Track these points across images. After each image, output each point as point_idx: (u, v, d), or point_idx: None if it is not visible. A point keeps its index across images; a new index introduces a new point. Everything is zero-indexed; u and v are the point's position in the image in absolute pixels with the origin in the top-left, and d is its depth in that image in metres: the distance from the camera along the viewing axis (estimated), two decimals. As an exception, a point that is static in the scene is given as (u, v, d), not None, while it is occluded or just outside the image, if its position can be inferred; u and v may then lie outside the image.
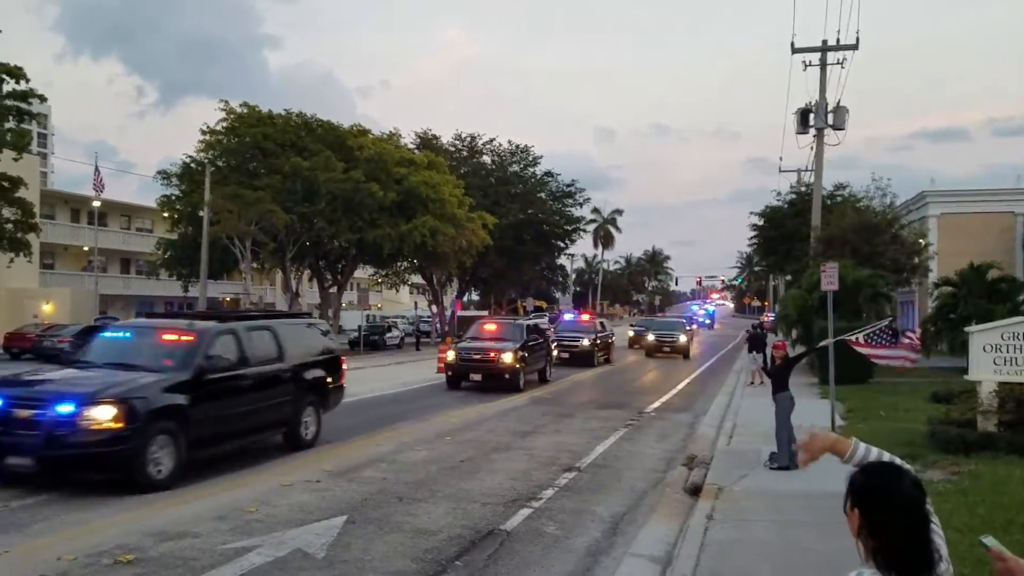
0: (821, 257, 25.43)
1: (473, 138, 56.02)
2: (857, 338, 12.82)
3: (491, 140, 56.33)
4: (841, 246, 27.09)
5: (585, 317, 36.20)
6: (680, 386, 23.01)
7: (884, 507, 2.06)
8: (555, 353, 27.08)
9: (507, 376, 20.35)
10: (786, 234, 38.48)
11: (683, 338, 36.57)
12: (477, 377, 20.59)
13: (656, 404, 18.66)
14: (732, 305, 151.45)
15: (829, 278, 14.11)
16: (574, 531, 7.73)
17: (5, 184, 23.02)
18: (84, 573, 6.17)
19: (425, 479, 9.90)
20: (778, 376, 11.22)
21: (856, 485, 2.16)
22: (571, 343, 30.00)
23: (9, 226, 23.90)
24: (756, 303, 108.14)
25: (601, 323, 34.52)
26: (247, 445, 10.93)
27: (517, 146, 57.06)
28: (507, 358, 20.40)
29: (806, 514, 7.97)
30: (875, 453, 2.57)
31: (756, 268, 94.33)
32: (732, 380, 24.48)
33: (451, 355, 21.07)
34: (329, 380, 12.72)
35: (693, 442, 13.24)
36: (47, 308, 42.39)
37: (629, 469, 10.96)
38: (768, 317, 60.04)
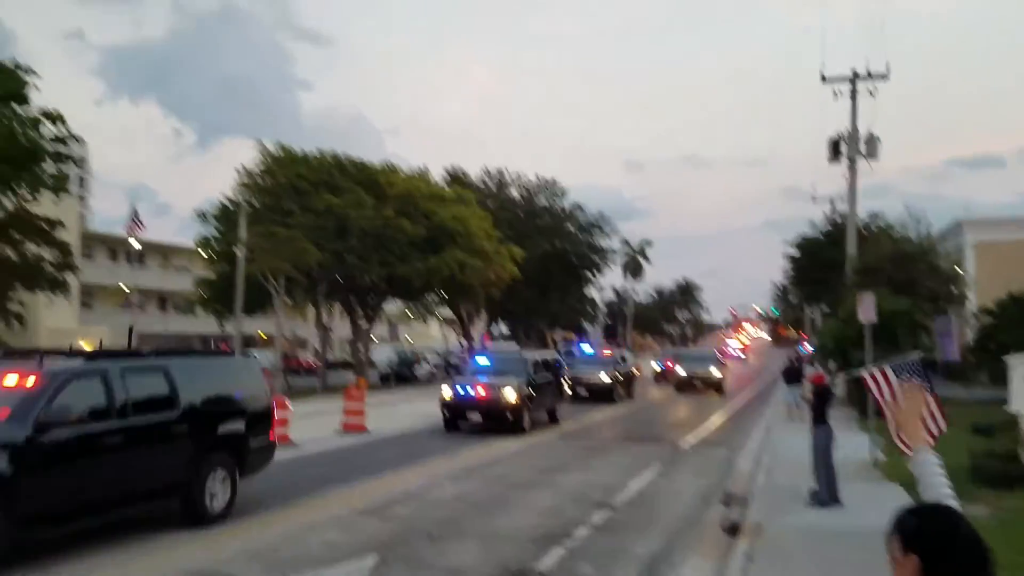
0: (857, 287, 25.03)
1: (501, 173, 56.46)
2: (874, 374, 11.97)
3: (519, 175, 56.76)
4: (877, 276, 26.66)
5: (607, 352, 33.58)
6: (715, 420, 22.65)
7: (950, 555, 1.95)
8: (572, 389, 25.81)
9: (509, 415, 18.53)
10: (821, 264, 38.00)
11: (716, 371, 34.54)
12: (476, 416, 19.06)
13: (691, 439, 18.36)
14: (767, 336, 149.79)
15: (866, 309, 13.86)
16: (610, 572, 7.55)
17: (44, 226, 23.53)
18: (115, 615, 6.13)
19: (454, 516, 9.78)
20: (814, 409, 10.97)
21: (913, 529, 2.03)
22: (588, 378, 28.28)
23: (49, 267, 24.38)
24: (792, 334, 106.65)
25: (622, 356, 32.63)
26: (124, 518, 8.64)
27: (544, 179, 57.43)
28: (509, 395, 18.53)
29: (850, 553, 7.72)
30: (931, 471, 2.50)
31: (791, 298, 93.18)
32: (769, 413, 24.07)
33: (447, 392, 19.24)
34: (250, 435, 10.10)
35: (731, 478, 12.96)
36: (87, 347, 43.09)
37: (665, 507, 10.74)
38: (806, 347, 59.09)
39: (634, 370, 33.10)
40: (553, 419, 21.10)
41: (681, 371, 34.73)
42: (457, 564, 7.68)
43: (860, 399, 19.72)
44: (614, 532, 9.16)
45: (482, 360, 21.64)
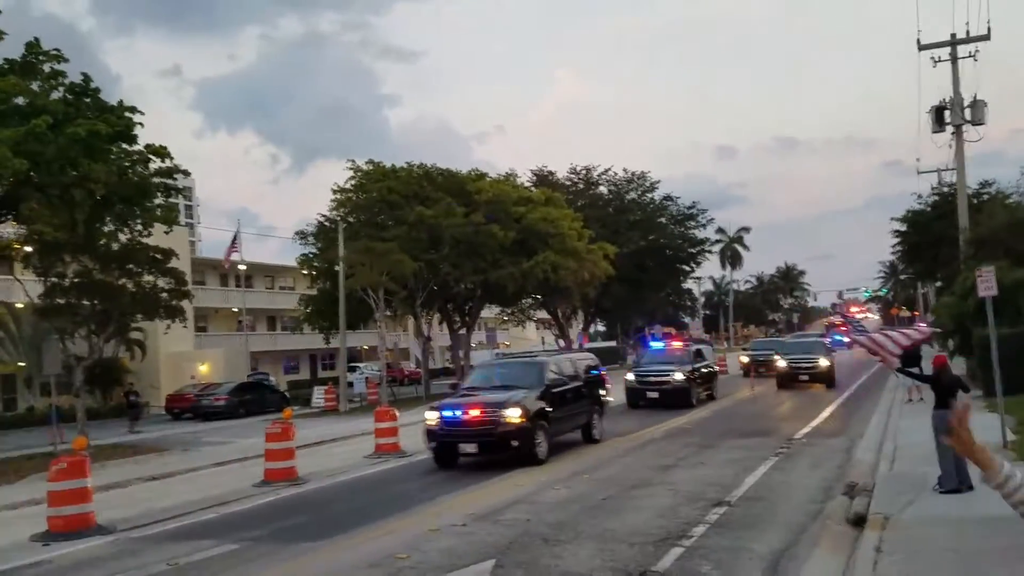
0: (972, 260, 23.77)
1: (588, 170, 56.18)
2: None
3: (606, 170, 56.33)
4: (993, 247, 25.25)
5: (677, 344, 30.09)
6: (827, 411, 21.84)
7: None
8: (640, 394, 24.04)
9: (514, 442, 13.99)
10: (932, 239, 36.30)
11: (824, 361, 29.52)
12: (470, 448, 14.31)
13: (805, 430, 17.76)
14: (878, 318, 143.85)
15: (986, 283, 13.11)
16: (732, 570, 7.37)
17: (158, 256, 24.78)
18: (251, 627, 6.37)
19: (568, 519, 9.75)
20: (936, 392, 10.43)
21: None
22: (659, 379, 24.17)
23: (165, 295, 25.67)
24: (905, 313, 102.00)
25: (698, 350, 27.58)
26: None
27: (633, 173, 56.86)
28: (511, 415, 13.99)
29: (986, 541, 7.30)
30: (1021, 476, 2.32)
31: (902, 276, 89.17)
32: (888, 398, 23.06)
33: (432, 417, 14.72)
34: None
35: (851, 468, 12.46)
36: (203, 369, 45.21)
37: (784, 501, 10.41)
38: (920, 327, 56.58)
39: (716, 366, 29.33)
40: (589, 439, 16.92)
41: (782, 363, 30.37)
42: (575, 567, 7.65)
43: (985, 378, 18.67)
44: (733, 529, 8.95)
45: (484, 372, 17.44)
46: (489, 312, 57.42)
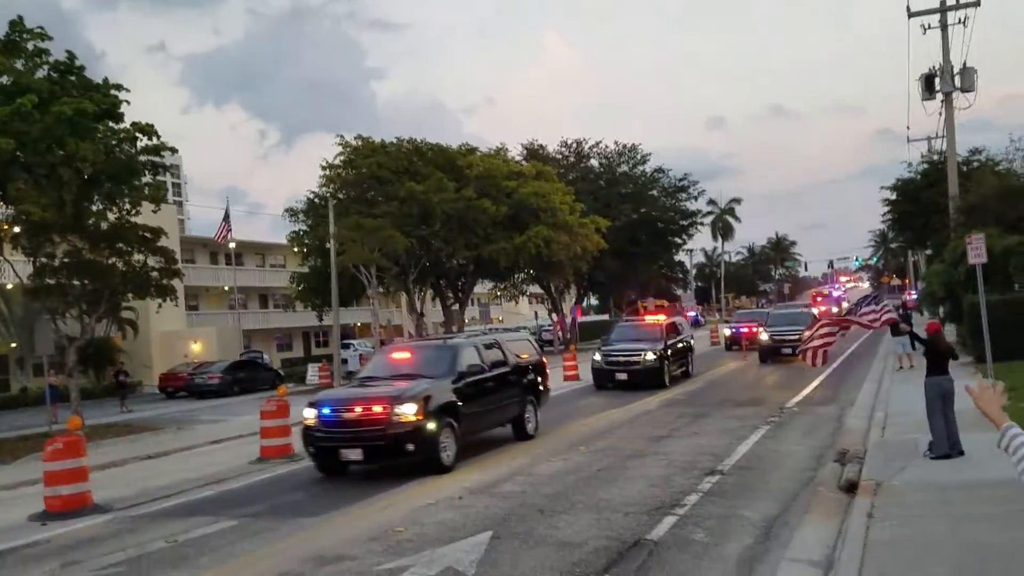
0: (962, 228, 23.88)
1: (579, 143, 55.90)
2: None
3: (597, 143, 56.07)
4: (983, 215, 25.36)
5: (650, 319, 27.26)
6: (817, 380, 22.01)
7: None
8: (607, 376, 22.22)
9: (409, 446, 11.21)
10: (922, 207, 36.43)
11: (808, 333, 29.42)
12: (353, 455, 11.52)
13: (797, 399, 17.93)
14: (869, 286, 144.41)
15: (976, 250, 13.19)
16: (724, 538, 7.47)
17: (148, 235, 24.61)
18: (251, 601, 6.43)
19: (564, 491, 9.84)
20: (929, 359, 10.51)
21: None
22: (628, 359, 22.20)
23: (155, 274, 25.55)
24: (896, 282, 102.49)
25: (672, 324, 25.08)
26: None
27: (624, 146, 56.56)
28: (406, 413, 11.19)
29: (976, 506, 7.40)
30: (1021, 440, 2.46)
31: (892, 245, 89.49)
32: (879, 366, 23.25)
33: (310, 415, 11.91)
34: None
35: (842, 436, 12.60)
36: (196, 347, 45.17)
37: (776, 469, 10.53)
38: (910, 296, 56.79)
39: (691, 340, 26.75)
40: (522, 435, 14.29)
41: (765, 336, 28.68)
42: (571, 537, 7.73)
43: (975, 345, 18.83)
44: (725, 497, 9.05)
45: (385, 360, 14.20)
46: (482, 287, 57.43)
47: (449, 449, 11.74)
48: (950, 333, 25.10)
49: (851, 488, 8.82)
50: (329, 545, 8.00)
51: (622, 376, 21.99)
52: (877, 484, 8.61)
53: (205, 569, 7.58)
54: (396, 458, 11.45)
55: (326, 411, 11.80)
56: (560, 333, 53.71)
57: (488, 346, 14.22)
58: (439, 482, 10.96)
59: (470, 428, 12.56)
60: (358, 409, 11.53)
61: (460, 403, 12.19)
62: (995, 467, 8.06)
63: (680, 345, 24.39)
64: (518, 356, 14.88)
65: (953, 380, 10.09)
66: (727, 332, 38.38)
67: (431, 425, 11.36)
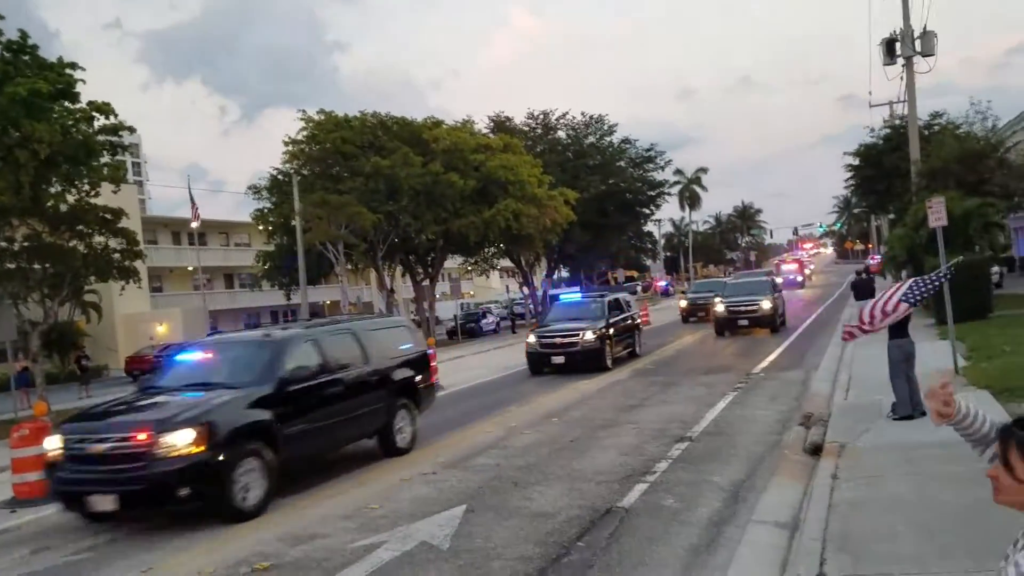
0: (924, 192, 24.24)
1: (546, 115, 55.69)
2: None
3: (564, 114, 55.92)
4: (944, 178, 25.76)
5: (575, 296, 24.65)
6: (783, 346, 22.34)
7: None
8: (542, 359, 19.82)
9: (182, 491, 7.97)
10: (884, 171, 36.88)
11: (767, 304, 25.71)
12: (105, 504, 8.05)
13: (763, 364, 18.19)
14: (833, 251, 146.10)
15: (936, 213, 13.40)
16: (694, 503, 7.60)
17: (108, 216, 24.19)
18: (225, 582, 6.42)
19: (537, 462, 9.93)
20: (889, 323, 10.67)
21: None
22: (564, 340, 19.75)
23: (117, 256, 25.15)
24: (859, 247, 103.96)
25: (616, 300, 22.21)
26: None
27: (591, 117, 56.47)
28: (176, 441, 7.99)
29: (938, 465, 7.59)
30: (976, 410, 2.42)
31: (856, 210, 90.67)
32: (842, 331, 23.58)
33: (52, 444, 8.74)
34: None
35: (808, 400, 12.83)
36: (161, 329, 44.65)
37: (743, 434, 10.71)
38: (874, 259, 57.67)
39: (640, 318, 24.75)
40: (390, 449, 11.17)
41: (720, 307, 26.57)
42: (544, 507, 7.82)
43: (937, 307, 19.20)
44: (694, 463, 9.19)
45: (182, 362, 10.53)
46: (452, 262, 57.31)
47: (252, 492, 8.49)
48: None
49: (816, 451, 9.01)
50: (302, 524, 8.00)
51: (558, 359, 19.62)
52: (841, 446, 8.80)
53: (178, 551, 7.55)
54: (163, 506, 8.18)
55: (76, 442, 8.42)
56: (532, 307, 53.88)
57: (335, 339, 10.84)
58: (410, 457, 10.99)
59: (294, 453, 9.27)
60: (103, 446, 8.21)
61: (277, 422, 8.96)
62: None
63: (626, 322, 22.03)
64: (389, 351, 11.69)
65: (914, 343, 10.30)
66: (683, 303, 36.72)
67: (220, 457, 8.19)
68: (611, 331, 20.37)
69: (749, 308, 25.86)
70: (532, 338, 20.69)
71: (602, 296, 22.28)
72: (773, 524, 6.78)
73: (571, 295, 25.47)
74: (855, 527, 6.14)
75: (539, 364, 20.11)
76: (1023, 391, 10.07)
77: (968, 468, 7.19)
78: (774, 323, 25.93)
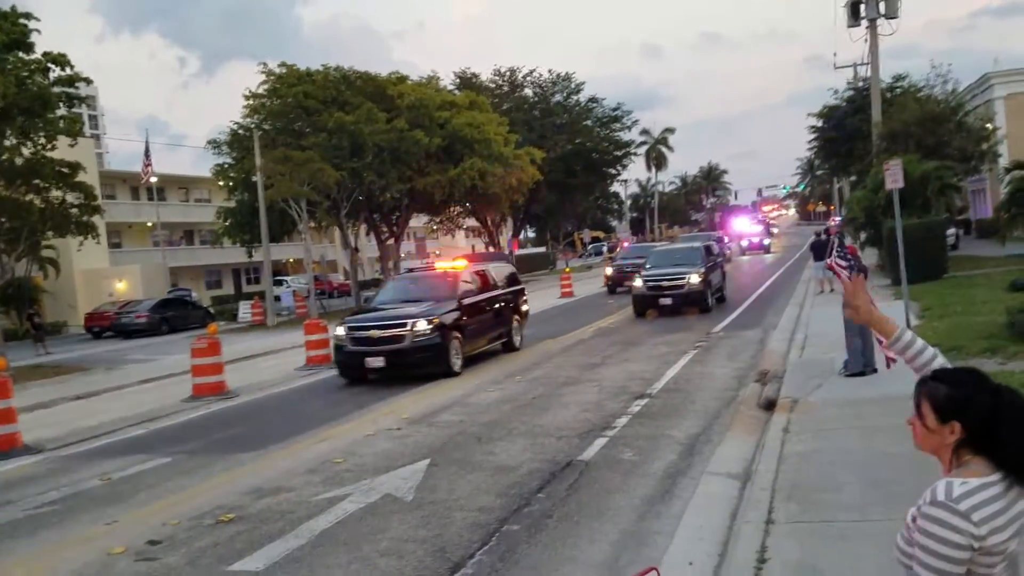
0: (884, 154, 24.62)
1: (513, 72, 55.27)
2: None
3: (531, 72, 55.50)
4: (905, 140, 26.16)
5: (442, 266, 17.80)
6: (743, 306, 22.72)
7: (999, 415, 1.97)
8: (359, 365, 13.87)
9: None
10: (847, 134, 37.32)
11: (695, 278, 20.64)
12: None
13: (723, 324, 18.51)
14: (796, 213, 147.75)
15: (893, 176, 13.64)
16: (651, 456, 7.82)
17: (65, 170, 23.67)
18: (190, 535, 6.52)
19: (500, 418, 10.09)
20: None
21: (951, 398, 2.03)
22: (389, 335, 13.83)
23: (75, 211, 24.68)
24: (821, 208, 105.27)
25: (481, 274, 16.44)
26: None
27: (558, 75, 56.18)
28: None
29: (885, 419, 7.87)
30: (921, 343, 2.51)
31: (818, 172, 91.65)
32: (801, 291, 24.09)
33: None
34: None
35: (764, 357, 13.14)
36: (120, 286, 43.97)
37: (701, 391, 10.96)
38: (834, 221, 58.53)
39: (521, 302, 17.65)
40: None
41: (639, 282, 21.46)
42: (506, 461, 7.98)
43: (893, 267, 19.65)
44: (653, 418, 9.41)
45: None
46: (417, 221, 56.99)
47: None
48: (871, 257, 26.11)
49: (770, 406, 9.28)
50: (267, 478, 8.09)
51: (377, 362, 13.67)
52: (794, 401, 9.08)
53: (142, 505, 7.61)
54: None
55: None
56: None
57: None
58: (375, 414, 11.10)
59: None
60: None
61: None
62: (905, 382, 8.52)
63: (496, 305, 16.21)
64: None
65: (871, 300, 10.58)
66: (609, 271, 30.74)
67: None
68: (462, 317, 14.51)
69: (673, 284, 20.75)
70: (341, 330, 14.43)
71: (457, 275, 15.84)
72: (726, 475, 7.02)
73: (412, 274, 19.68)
74: (804, 478, 6.39)
75: (352, 369, 14.31)
76: (972, 349, 10.43)
77: (913, 422, 7.49)
78: (705, 301, 20.78)
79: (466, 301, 14.83)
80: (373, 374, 13.86)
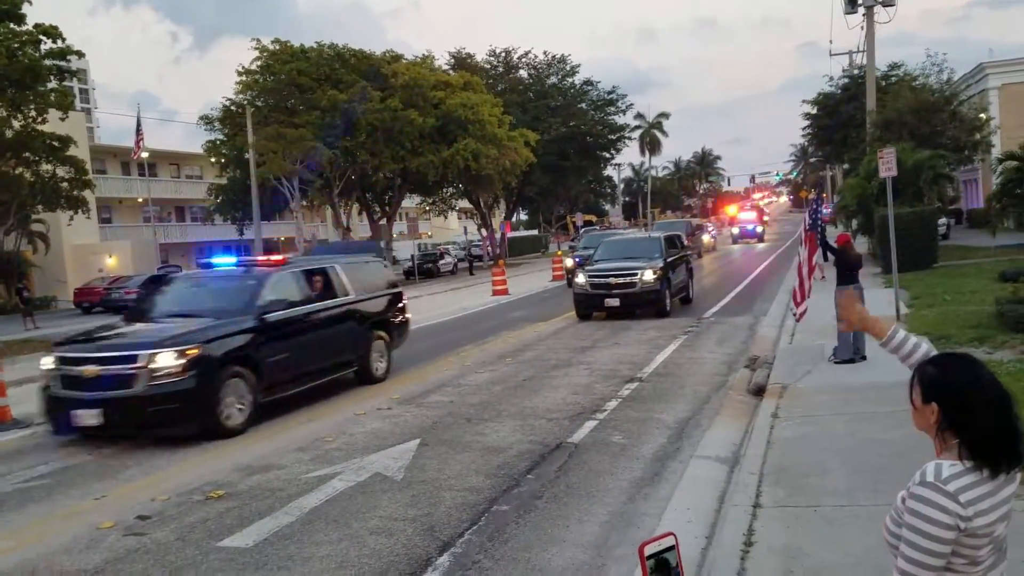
0: (878, 142, 24.64)
1: (508, 53, 54.94)
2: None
3: (526, 53, 55.21)
4: (899, 129, 26.18)
5: (241, 262, 11.94)
6: (735, 292, 22.80)
7: (970, 401, 2.01)
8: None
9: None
10: (841, 121, 37.35)
11: (649, 275, 17.30)
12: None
13: (714, 309, 18.57)
14: (788, 200, 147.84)
15: (887, 164, 13.66)
16: (640, 439, 7.86)
17: (56, 144, 23.49)
18: (179, 511, 6.53)
19: (490, 400, 10.12)
20: (839, 269, 11.01)
21: (931, 378, 2.10)
22: (111, 374, 8.71)
23: (64, 184, 24.51)
24: (814, 196, 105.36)
25: (315, 275, 11.29)
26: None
27: (554, 57, 55.91)
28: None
29: (873, 405, 7.94)
30: (914, 341, 2.56)
31: (812, 160, 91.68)
32: (793, 277, 24.13)
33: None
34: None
35: (754, 343, 13.21)
36: (110, 262, 43.74)
37: (691, 375, 11.01)
38: (826, 208, 58.60)
39: (398, 310, 13.36)
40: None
41: (581, 279, 18.16)
42: (496, 442, 8.02)
43: (884, 256, 19.72)
44: (643, 402, 9.46)
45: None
46: (410, 202, 56.86)
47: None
48: (862, 245, 26.20)
49: (759, 391, 9.34)
50: (257, 455, 8.10)
51: (91, 419, 8.69)
52: (783, 387, 9.13)
53: (131, 480, 7.61)
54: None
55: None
56: (490, 248, 53.85)
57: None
58: (365, 393, 11.11)
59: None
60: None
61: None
62: (894, 370, 8.59)
63: (339, 322, 11.33)
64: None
65: (863, 288, 10.66)
66: (569, 262, 27.76)
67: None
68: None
69: (623, 281, 17.44)
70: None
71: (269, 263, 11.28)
72: (714, 459, 7.07)
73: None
74: (791, 462, 6.44)
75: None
76: (960, 338, 10.51)
77: (901, 408, 7.54)
78: (661, 302, 17.51)
79: (272, 317, 9.94)
80: (88, 431, 8.90)
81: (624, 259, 18.38)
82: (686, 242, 23.60)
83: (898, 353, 2.58)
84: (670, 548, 1.82)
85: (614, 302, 17.38)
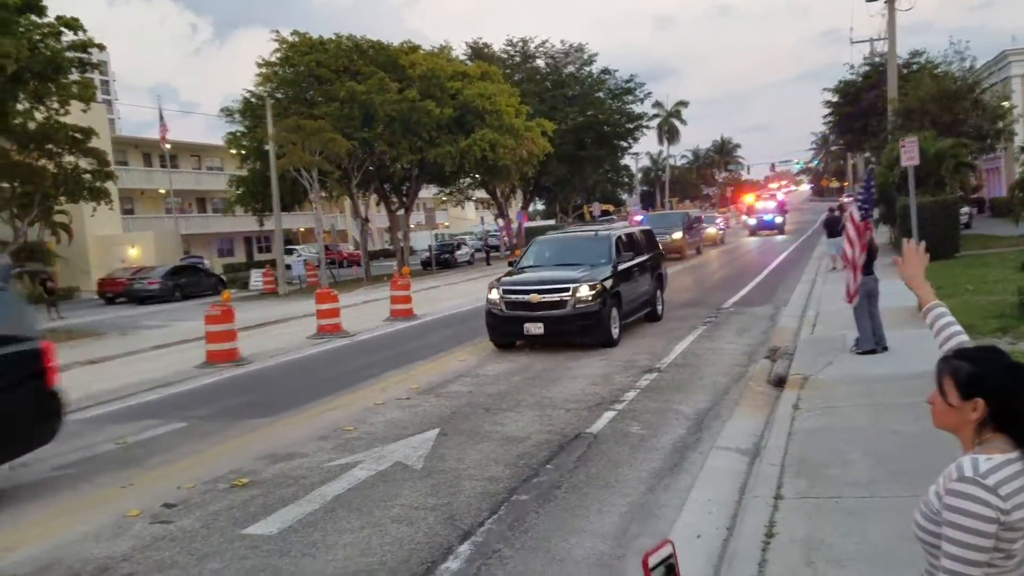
0: (899, 131, 24.40)
1: (525, 42, 54.69)
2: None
3: (543, 42, 54.95)
4: (920, 117, 25.91)
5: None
6: (755, 282, 22.68)
7: (1019, 393, 2.01)
8: None
9: None
10: (862, 109, 36.98)
11: (586, 291, 12.69)
12: None
13: (734, 299, 18.50)
14: (809, 188, 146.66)
15: (909, 153, 13.55)
16: (659, 430, 7.86)
17: (78, 136, 23.70)
18: (205, 499, 6.62)
19: (508, 390, 10.16)
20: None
21: (975, 376, 2.06)
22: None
23: (87, 176, 24.74)
24: (835, 184, 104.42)
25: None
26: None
27: (571, 46, 55.55)
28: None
29: (895, 396, 7.90)
30: (952, 321, 2.53)
31: (833, 148, 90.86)
32: (812, 268, 24.00)
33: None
34: None
35: (775, 334, 13.14)
36: (133, 252, 44.16)
37: (710, 366, 10.99)
38: (847, 198, 58.00)
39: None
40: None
41: (496, 296, 13.53)
42: (515, 432, 8.05)
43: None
44: (662, 393, 9.45)
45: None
46: (427, 192, 56.91)
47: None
48: (884, 234, 25.97)
49: (780, 382, 9.30)
50: (280, 444, 8.19)
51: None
52: (804, 378, 9.09)
53: (156, 468, 7.72)
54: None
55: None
56: (507, 239, 53.85)
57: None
58: (385, 383, 11.19)
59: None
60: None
61: None
62: (916, 361, 8.57)
63: None
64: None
65: (878, 280, 10.55)
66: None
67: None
68: None
69: (547, 300, 12.95)
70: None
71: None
72: (735, 450, 7.07)
73: None
74: (812, 454, 6.43)
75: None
76: (983, 328, 10.41)
77: (923, 400, 7.50)
78: (603, 328, 12.91)
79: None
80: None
81: (557, 267, 14.16)
82: (681, 235, 23.96)
83: (933, 327, 2.57)
84: (669, 556, 1.86)
85: (536, 328, 12.89)
